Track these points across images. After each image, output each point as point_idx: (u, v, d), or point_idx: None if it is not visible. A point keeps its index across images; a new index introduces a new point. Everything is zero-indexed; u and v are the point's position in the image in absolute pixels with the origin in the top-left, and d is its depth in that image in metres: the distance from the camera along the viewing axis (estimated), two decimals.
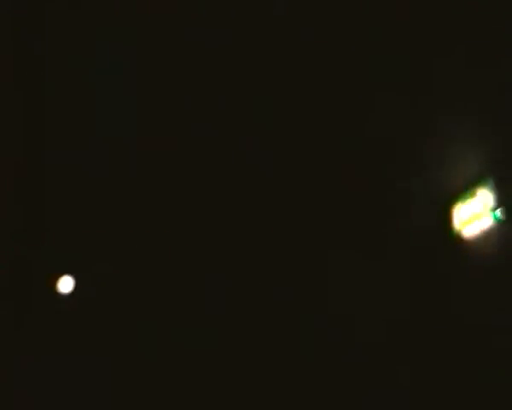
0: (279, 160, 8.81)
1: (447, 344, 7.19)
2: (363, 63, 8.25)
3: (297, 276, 8.38)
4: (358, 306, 7.80)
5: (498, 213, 6.90)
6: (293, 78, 8.72)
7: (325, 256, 8.16)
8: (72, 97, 8.62)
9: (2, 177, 8.31)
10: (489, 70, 6.88)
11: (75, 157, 8.68)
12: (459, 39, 7.28)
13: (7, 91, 8.36)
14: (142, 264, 8.52)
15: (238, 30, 8.66)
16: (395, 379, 7.57)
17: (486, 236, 6.99)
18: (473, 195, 7.19)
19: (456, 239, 7.32)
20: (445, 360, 7.21)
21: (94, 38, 8.53)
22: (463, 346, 7.00)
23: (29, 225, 8.56)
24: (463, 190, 7.26)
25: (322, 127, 8.52)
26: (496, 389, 6.60)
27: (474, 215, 7.14)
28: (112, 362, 8.28)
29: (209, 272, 8.65)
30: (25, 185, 8.54)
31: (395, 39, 7.93)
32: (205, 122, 8.75)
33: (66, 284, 8.46)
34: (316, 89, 8.48)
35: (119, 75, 8.53)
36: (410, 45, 7.87)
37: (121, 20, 8.52)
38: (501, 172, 6.86)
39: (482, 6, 6.99)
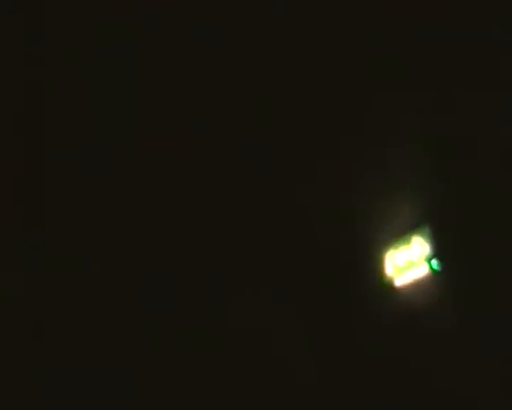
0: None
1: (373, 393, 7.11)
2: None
3: None
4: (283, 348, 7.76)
5: (434, 262, 6.67)
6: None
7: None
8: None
9: None
10: (428, 114, 6.56)
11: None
12: (390, 85, 6.95)
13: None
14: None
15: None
16: None
17: (419, 285, 6.79)
18: (408, 242, 6.95)
19: (388, 287, 7.14)
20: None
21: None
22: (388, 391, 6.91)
23: None
24: (398, 237, 7.03)
25: None
26: None
27: (407, 264, 6.93)
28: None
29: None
30: None
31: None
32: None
33: None
34: None
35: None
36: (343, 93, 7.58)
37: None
38: (438, 222, 6.60)
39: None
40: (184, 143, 8.74)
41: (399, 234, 7.02)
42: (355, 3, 7.89)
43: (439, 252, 6.59)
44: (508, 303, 6.09)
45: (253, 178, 8.71)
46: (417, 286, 6.83)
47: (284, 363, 7.83)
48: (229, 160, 8.75)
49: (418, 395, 6.76)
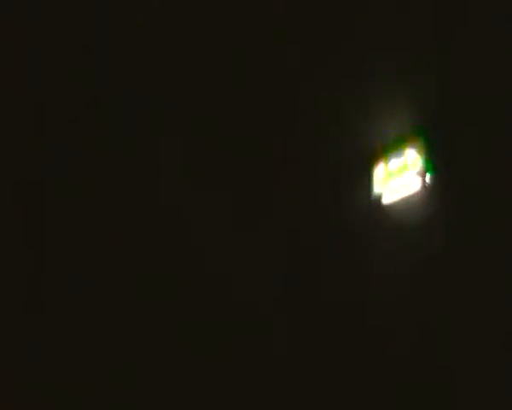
0: None
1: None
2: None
3: None
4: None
5: (427, 177, 6.10)
6: None
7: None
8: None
9: None
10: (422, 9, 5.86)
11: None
12: None
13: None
14: None
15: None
16: None
17: (410, 202, 6.23)
18: (398, 156, 6.35)
19: (375, 204, 6.55)
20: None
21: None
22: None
23: None
24: (387, 150, 6.41)
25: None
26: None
27: (398, 178, 6.33)
28: None
29: None
30: None
31: None
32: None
33: None
34: None
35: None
36: None
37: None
38: (433, 132, 6.00)
39: None
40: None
41: (389, 147, 6.39)
42: None
43: (434, 165, 6.01)
44: (504, 222, 5.56)
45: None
46: (408, 203, 6.26)
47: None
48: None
49: (406, 321, 6.28)
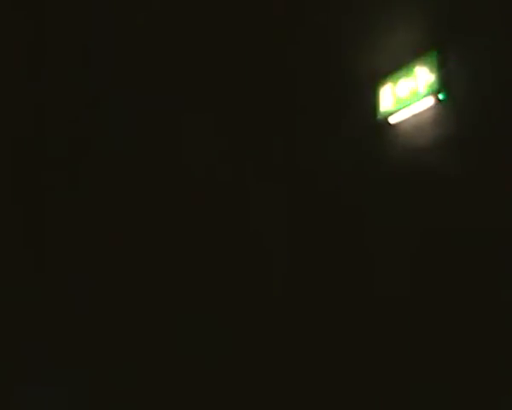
0: None
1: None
2: None
3: None
4: None
5: (440, 95, 5.90)
6: None
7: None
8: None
9: None
10: None
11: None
12: None
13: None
14: None
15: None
16: None
17: (419, 120, 6.01)
18: (409, 74, 6.18)
19: (383, 124, 6.33)
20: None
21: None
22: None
23: None
24: (398, 68, 6.25)
25: None
26: None
27: (409, 97, 6.14)
28: None
29: None
30: None
31: None
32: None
33: None
34: None
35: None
36: None
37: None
38: (445, 48, 5.85)
39: None
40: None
41: (400, 64, 6.20)
42: None
43: (445, 82, 5.83)
44: None
45: None
46: (417, 121, 6.04)
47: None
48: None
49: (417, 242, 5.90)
